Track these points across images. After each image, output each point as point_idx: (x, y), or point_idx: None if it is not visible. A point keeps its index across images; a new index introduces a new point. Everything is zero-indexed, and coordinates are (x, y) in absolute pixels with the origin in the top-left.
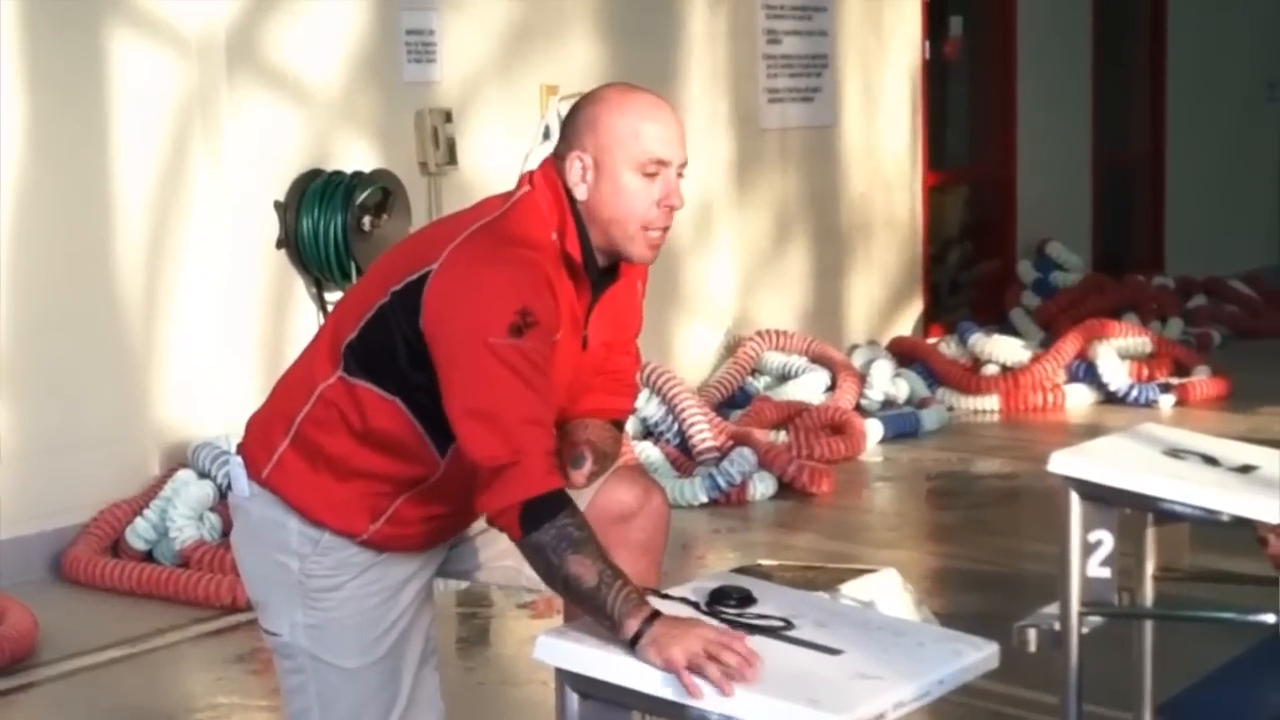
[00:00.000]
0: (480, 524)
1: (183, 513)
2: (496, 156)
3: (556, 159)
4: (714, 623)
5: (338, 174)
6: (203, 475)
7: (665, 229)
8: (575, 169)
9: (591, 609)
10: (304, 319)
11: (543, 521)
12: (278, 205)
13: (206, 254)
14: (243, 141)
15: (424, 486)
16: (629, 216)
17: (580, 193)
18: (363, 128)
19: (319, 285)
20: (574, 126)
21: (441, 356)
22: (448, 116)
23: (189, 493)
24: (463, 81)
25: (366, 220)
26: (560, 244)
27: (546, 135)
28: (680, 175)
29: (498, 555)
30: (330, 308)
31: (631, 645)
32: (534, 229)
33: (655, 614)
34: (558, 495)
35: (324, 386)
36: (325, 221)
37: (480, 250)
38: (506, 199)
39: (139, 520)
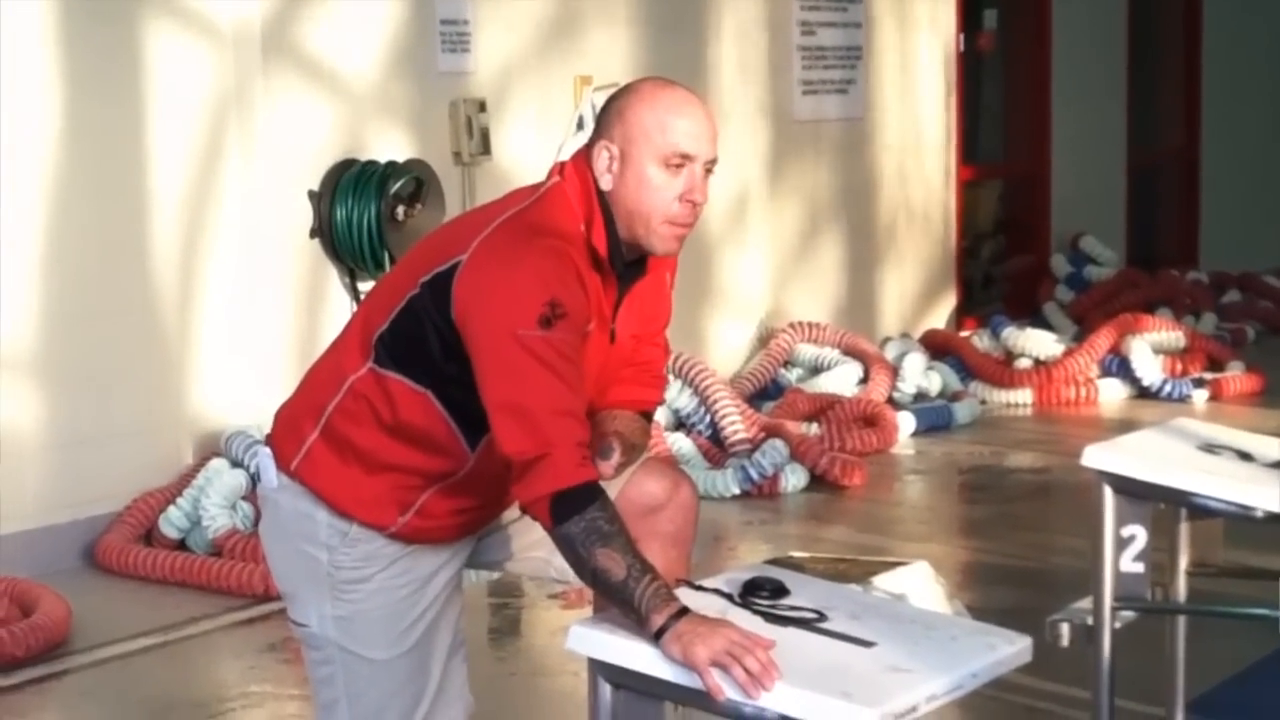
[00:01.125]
0: (510, 514)
1: (215, 501)
2: (530, 147)
3: (588, 149)
4: (745, 615)
5: (372, 164)
6: (235, 464)
7: (688, 225)
8: (602, 158)
9: (619, 602)
10: (337, 309)
11: (572, 514)
12: (312, 195)
13: (241, 244)
14: (277, 131)
15: (453, 480)
16: (651, 210)
17: (605, 182)
18: (397, 118)
19: (352, 275)
20: (606, 117)
21: (472, 348)
22: (482, 106)
23: (222, 482)
24: (497, 72)
25: (400, 210)
26: (586, 236)
27: (580, 126)
28: (709, 172)
29: (527, 546)
30: (363, 298)
31: (656, 639)
32: (562, 220)
33: (683, 610)
34: (588, 487)
35: (354, 378)
36: (359, 211)
37: (509, 241)
38: (536, 189)
39: (172, 509)
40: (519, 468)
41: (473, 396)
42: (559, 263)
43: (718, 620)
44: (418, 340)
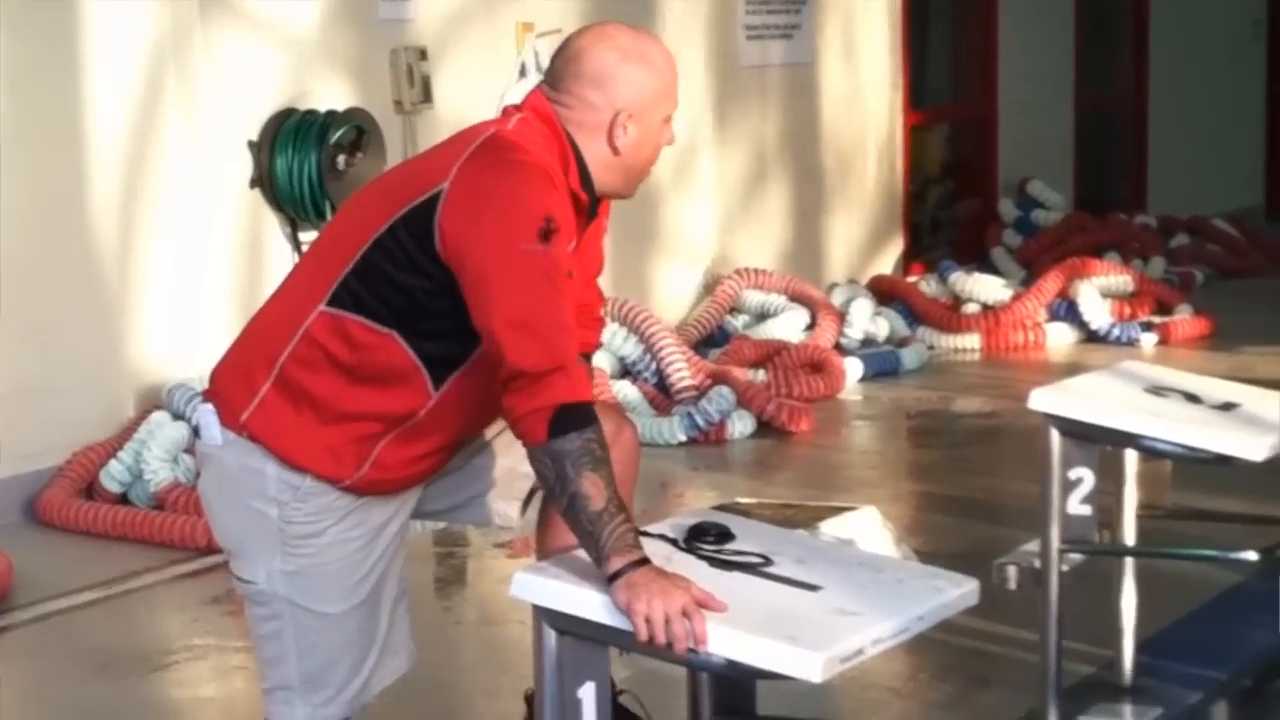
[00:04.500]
0: (453, 463)
1: (157, 455)
2: (472, 95)
3: (552, 93)
4: (690, 560)
5: (312, 113)
6: (177, 417)
7: None
8: (627, 131)
9: (585, 533)
10: (278, 259)
11: (571, 429)
12: (251, 145)
13: (180, 194)
14: (216, 81)
15: (412, 423)
16: (648, 162)
17: (624, 146)
18: (337, 66)
19: (293, 225)
20: (616, 85)
21: (472, 271)
22: (423, 54)
23: (163, 434)
24: (438, 19)
25: (341, 159)
26: (563, 177)
27: (523, 73)
28: None
29: (473, 495)
30: (304, 247)
31: (609, 581)
32: (539, 151)
33: (644, 560)
34: (590, 407)
35: (309, 323)
36: (299, 161)
37: (494, 162)
38: (503, 122)
39: (113, 463)
40: (528, 379)
41: (446, 332)
42: (547, 178)
43: (675, 578)
44: (390, 280)
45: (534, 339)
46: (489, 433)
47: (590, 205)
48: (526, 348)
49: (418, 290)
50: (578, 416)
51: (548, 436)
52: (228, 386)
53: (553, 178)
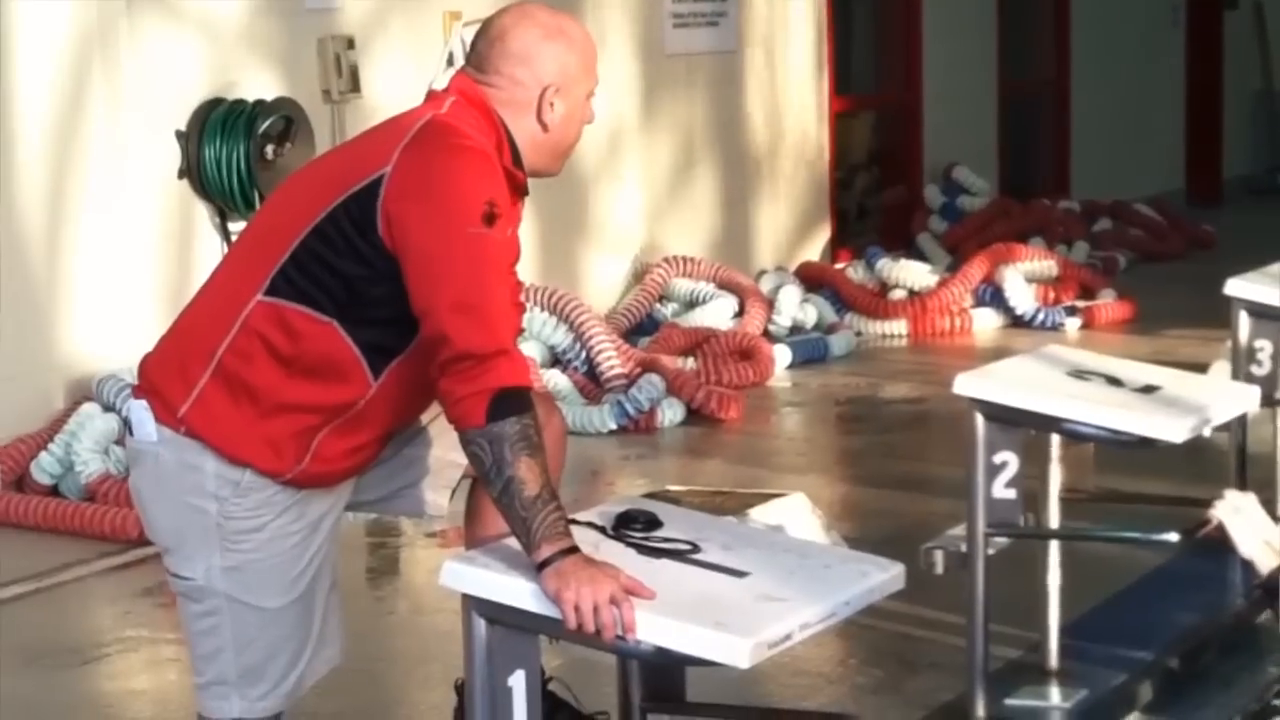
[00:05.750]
0: (385, 453)
1: (88, 446)
2: (400, 84)
3: (479, 75)
4: (618, 548)
5: (240, 103)
6: (108, 408)
7: None
8: (555, 107)
9: (517, 519)
10: (207, 249)
11: (511, 414)
12: (179, 135)
13: (108, 185)
14: (143, 70)
15: (351, 414)
16: (574, 139)
17: (552, 122)
18: (265, 56)
19: (222, 215)
20: (542, 63)
21: (416, 255)
22: (350, 44)
23: (94, 426)
24: (365, 8)
25: (269, 149)
26: (499, 158)
27: (450, 62)
28: None
29: (406, 485)
30: (234, 237)
31: (539, 569)
32: (479, 135)
33: (573, 548)
34: (529, 393)
35: (247, 314)
36: (228, 151)
37: (437, 146)
38: (435, 106)
39: (43, 454)
40: (472, 361)
41: (386, 320)
42: (489, 163)
43: (604, 566)
44: (327, 267)
45: (479, 322)
46: (424, 418)
47: (524, 184)
48: (472, 331)
49: (357, 278)
50: (517, 401)
51: (486, 420)
52: (162, 381)
53: (493, 161)
